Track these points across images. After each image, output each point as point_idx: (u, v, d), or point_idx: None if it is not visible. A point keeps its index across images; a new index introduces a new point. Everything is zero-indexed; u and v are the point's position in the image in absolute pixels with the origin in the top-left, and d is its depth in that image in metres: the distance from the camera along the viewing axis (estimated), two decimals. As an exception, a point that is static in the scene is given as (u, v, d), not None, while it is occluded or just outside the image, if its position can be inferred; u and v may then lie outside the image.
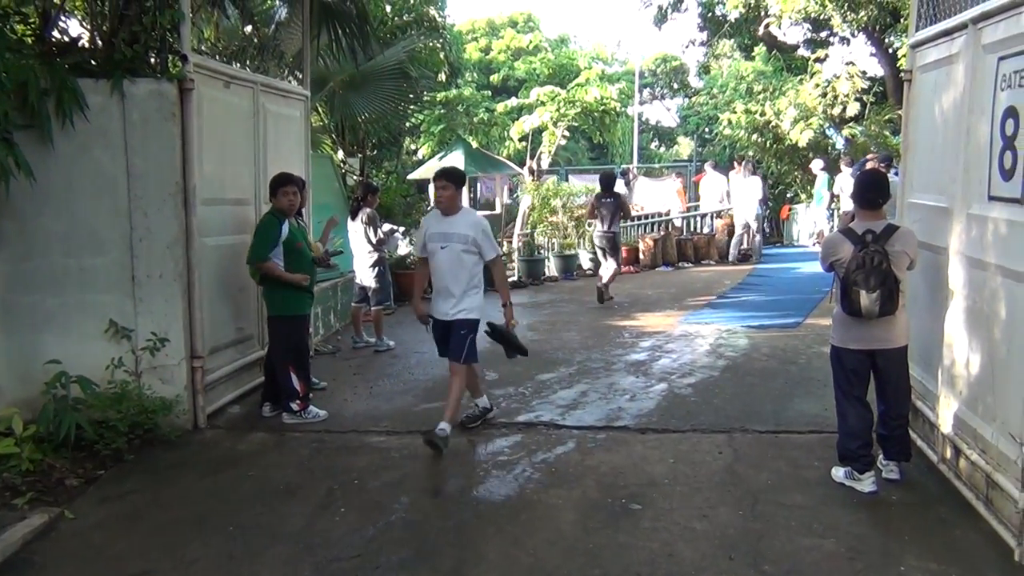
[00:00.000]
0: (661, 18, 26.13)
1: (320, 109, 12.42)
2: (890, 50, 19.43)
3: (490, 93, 26.39)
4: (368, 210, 8.64)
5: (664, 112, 42.14)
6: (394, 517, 4.62)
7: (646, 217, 17.57)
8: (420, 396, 7.02)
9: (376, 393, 7.16)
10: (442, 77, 16.89)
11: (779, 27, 21.44)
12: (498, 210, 22.63)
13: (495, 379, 7.48)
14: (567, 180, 20.92)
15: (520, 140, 19.63)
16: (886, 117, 18.16)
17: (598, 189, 12.18)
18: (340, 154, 13.34)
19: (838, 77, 19.02)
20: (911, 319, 5.02)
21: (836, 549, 4.13)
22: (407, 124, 16.67)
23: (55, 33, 6.43)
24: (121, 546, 4.34)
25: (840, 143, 19.03)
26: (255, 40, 8.55)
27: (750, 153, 19.88)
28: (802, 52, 23.47)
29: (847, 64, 19.62)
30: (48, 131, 5.60)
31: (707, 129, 29.42)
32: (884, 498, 4.69)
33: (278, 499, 4.90)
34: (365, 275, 8.74)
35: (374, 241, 8.61)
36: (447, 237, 5.80)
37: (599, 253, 12.18)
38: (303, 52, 8.49)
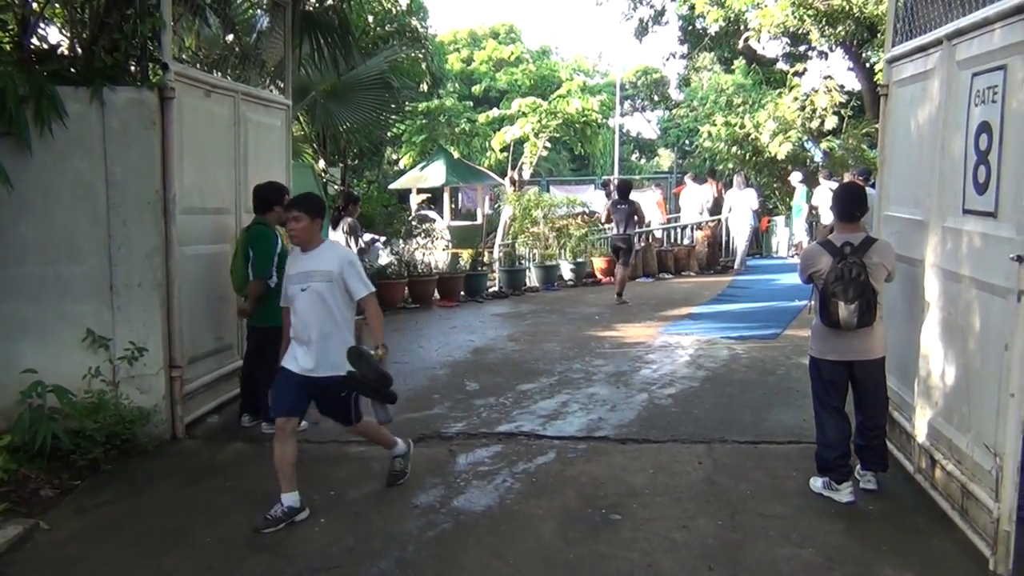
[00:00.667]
0: (642, 31, 26.39)
1: (301, 118, 12.41)
2: (867, 64, 19.70)
3: (472, 104, 26.47)
4: (349, 219, 8.64)
5: (645, 124, 42.41)
6: (374, 528, 4.60)
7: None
8: (400, 406, 6.92)
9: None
10: (424, 87, 16.95)
11: (758, 41, 21.66)
12: (479, 220, 22.67)
13: (475, 389, 7.48)
14: (548, 191, 21.02)
15: (501, 151, 19.73)
16: (863, 131, 18.37)
17: (615, 196, 13.21)
18: (321, 163, 13.34)
19: (816, 91, 19.24)
20: (888, 331, 5.07)
21: (814, 559, 4.16)
22: (389, 134, 16.69)
23: (34, 40, 6.40)
24: (97, 557, 4.30)
25: (818, 156, 19.22)
26: (236, 49, 8.52)
27: (730, 165, 20.05)
28: (781, 66, 23.76)
29: (825, 78, 19.85)
30: (26, 139, 5.56)
31: (687, 141, 29.66)
32: (861, 508, 4.73)
33: (257, 509, 4.85)
34: (346, 285, 8.70)
35: (355, 251, 8.59)
36: (307, 276, 4.82)
37: (615, 256, 13.26)
38: (285, 61, 8.48)
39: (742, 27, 21.25)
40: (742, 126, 19.51)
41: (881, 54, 13.97)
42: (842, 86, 20.29)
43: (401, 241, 12.92)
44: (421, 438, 6.09)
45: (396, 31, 14.43)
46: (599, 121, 19.24)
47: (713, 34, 23.46)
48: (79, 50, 6.37)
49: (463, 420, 6.55)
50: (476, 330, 10.53)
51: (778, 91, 19.98)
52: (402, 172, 23.20)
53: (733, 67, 22.82)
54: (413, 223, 13.88)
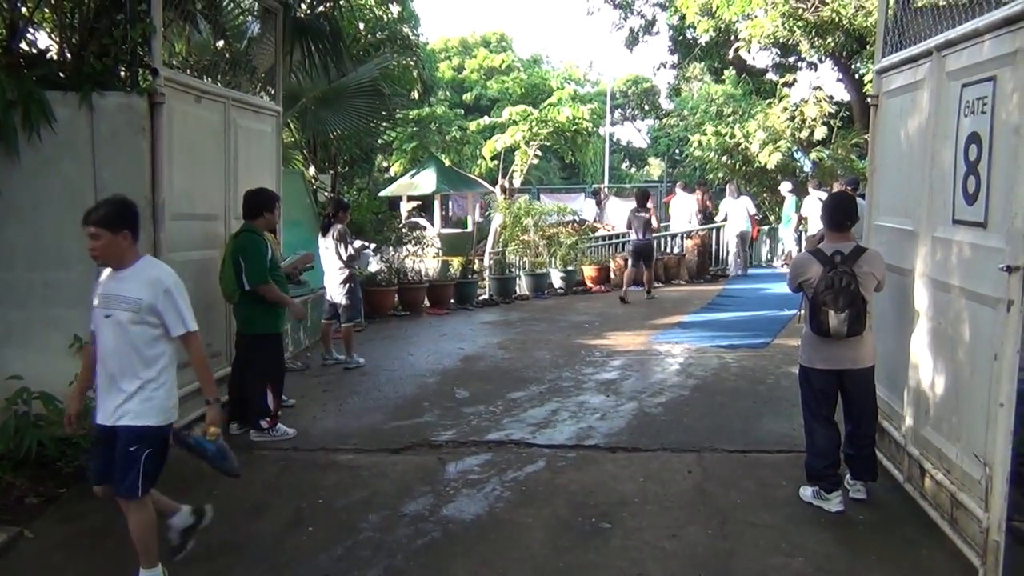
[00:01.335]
0: (633, 40, 26.47)
1: (292, 125, 12.37)
2: (856, 76, 19.79)
3: (463, 112, 26.46)
4: (339, 226, 8.60)
5: (635, 133, 42.58)
6: (362, 536, 4.57)
7: (617, 237, 17.68)
8: (390, 414, 6.97)
9: (345, 411, 7.10)
10: (415, 95, 16.92)
11: (748, 51, 21.76)
12: (470, 228, 22.67)
13: (466, 397, 7.46)
14: (539, 199, 21.03)
15: (492, 159, 19.73)
16: (852, 141, 18.45)
17: (634, 204, 14.02)
18: (312, 170, 13.30)
19: (806, 101, 19.33)
20: (878, 340, 5.08)
21: (804, 568, 4.15)
22: (379, 141, 16.67)
23: (23, 45, 6.37)
24: (82, 566, 4.27)
25: (807, 166, 19.30)
26: (227, 55, 8.51)
27: (720, 175, 20.11)
28: (771, 76, 23.87)
29: (814, 89, 19.94)
30: (14, 144, 5.51)
31: (677, 150, 29.75)
32: (851, 517, 4.74)
33: (245, 517, 4.83)
34: (336, 292, 8.69)
35: (344, 258, 8.56)
36: (112, 301, 3.93)
37: (631, 260, 14.03)
38: (275, 68, 8.47)
39: (732, 37, 21.34)
40: (732, 136, 19.57)
41: (870, 65, 14.01)
42: (831, 97, 20.39)
43: (391, 248, 12.89)
44: (410, 446, 6.08)
45: (387, 38, 14.41)
46: (589, 130, 19.25)
47: (703, 44, 23.55)
48: (68, 55, 6.35)
49: (453, 428, 6.53)
50: (466, 338, 10.51)
51: (768, 101, 20.05)
52: (392, 179, 23.18)
53: (723, 77, 22.88)
54: (403, 230, 13.85)
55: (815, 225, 13.67)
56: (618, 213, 20.84)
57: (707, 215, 19.28)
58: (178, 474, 5.49)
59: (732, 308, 12.85)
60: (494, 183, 19.54)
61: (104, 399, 3.99)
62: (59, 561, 4.32)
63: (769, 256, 19.51)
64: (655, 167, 39.82)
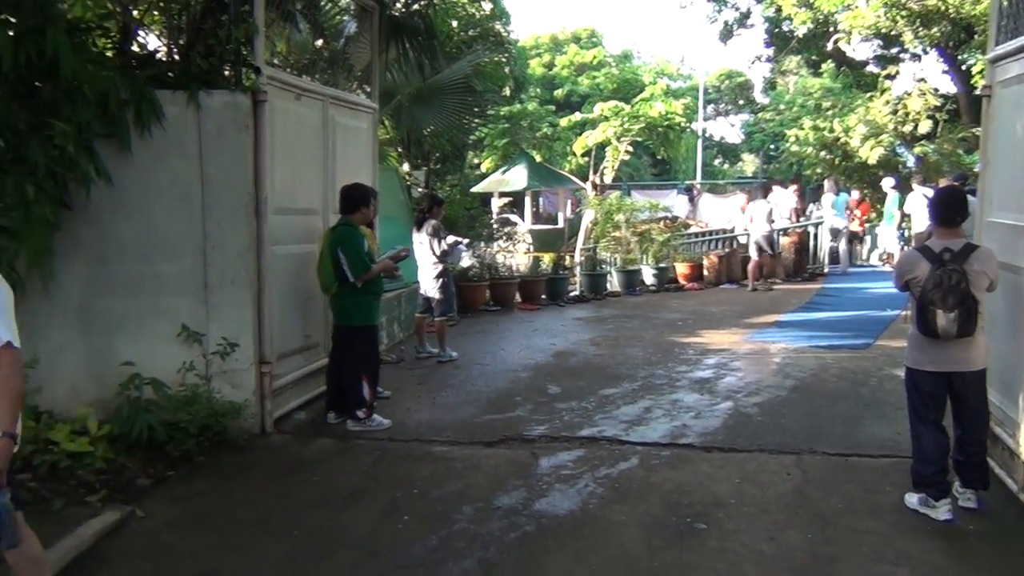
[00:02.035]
0: (727, 34, 25.98)
1: (387, 122, 12.58)
2: (964, 67, 18.96)
3: (553, 108, 26.47)
4: (433, 222, 8.70)
5: (728, 128, 41.78)
6: (456, 527, 4.61)
7: (710, 234, 17.39)
8: (482, 407, 7.02)
9: (439, 403, 7.18)
10: (507, 91, 17.02)
11: (848, 43, 21.06)
12: (561, 224, 22.64)
13: (558, 393, 7.45)
14: (630, 195, 20.84)
15: (583, 155, 19.65)
16: (959, 135, 17.71)
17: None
18: (405, 166, 13.50)
19: (909, 94, 18.65)
20: (991, 342, 4.84)
21: (910, 577, 4.00)
22: (471, 138, 16.78)
23: (134, 47, 6.65)
24: (189, 545, 4.42)
25: (911, 161, 18.62)
26: (325, 54, 8.71)
27: (819, 170, 19.56)
28: (872, 68, 23.05)
29: (918, 81, 19.21)
30: (127, 140, 5.77)
31: (772, 146, 29.08)
32: (960, 527, 4.53)
33: (342, 505, 4.94)
34: (429, 286, 8.80)
35: (438, 253, 8.66)
36: None
37: (756, 251, 14.33)
38: (372, 66, 8.62)
39: (831, 29, 20.72)
40: (831, 130, 19.01)
41: (979, 55, 13.40)
42: (936, 89, 19.59)
43: (483, 244, 12.99)
44: (503, 440, 6.10)
45: (480, 35, 14.52)
46: (682, 125, 18.97)
47: (801, 36, 22.92)
48: (176, 55, 6.59)
49: (545, 423, 6.52)
50: (558, 333, 10.50)
51: (869, 94, 19.42)
52: (484, 176, 23.34)
53: (821, 70, 22.27)
54: (495, 226, 13.93)
55: (919, 223, 13.17)
56: (711, 210, 20.51)
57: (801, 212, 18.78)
58: (283, 462, 5.69)
59: (831, 308, 12.47)
60: (585, 179, 19.46)
61: None
62: (168, 540, 4.50)
63: (867, 255, 18.88)
64: (749, 163, 39.05)
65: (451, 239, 9.01)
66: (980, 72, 5.57)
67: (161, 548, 4.40)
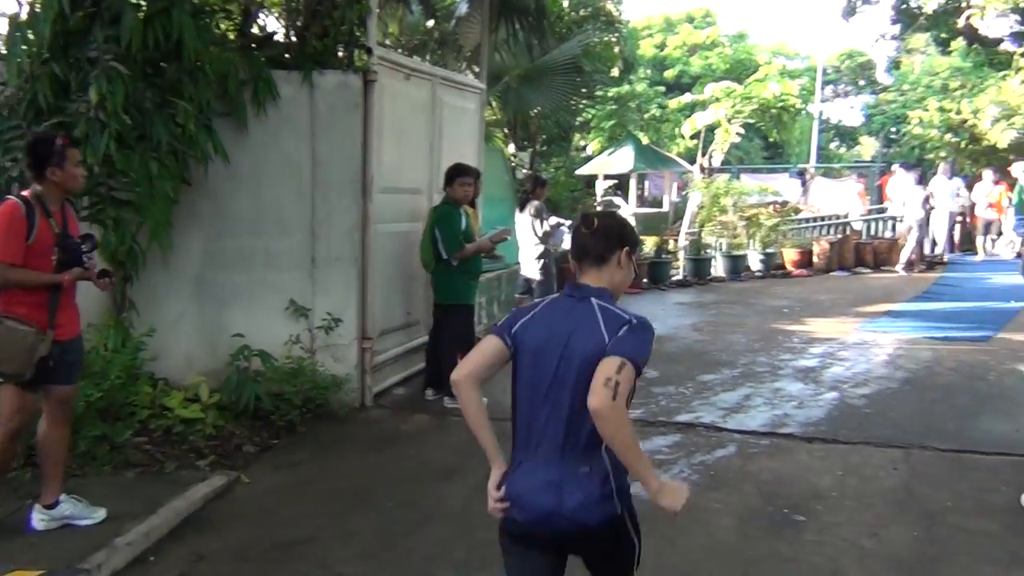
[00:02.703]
0: (850, 11, 24.96)
1: (494, 103, 12.65)
2: (1111, 44, 17.66)
3: (663, 89, 26.04)
4: (536, 202, 8.72)
5: (847, 110, 40.15)
6: (547, 506, 4.63)
7: (822, 219, 16.81)
8: (579, 390, 7.00)
9: (535, 384, 7.20)
10: (615, 72, 16.84)
11: (982, 19, 19.86)
12: (665, 208, 22.29)
13: (655, 377, 7.37)
14: (739, 179, 20.34)
15: (691, 137, 19.24)
16: (1100, 117, 16.51)
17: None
18: (511, 147, 13.55)
19: (1048, 73, 17.48)
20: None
21: (1023, 584, 3.81)
22: (578, 119, 16.69)
23: (254, 29, 6.88)
24: (289, 512, 4.60)
25: (1047, 145, 17.48)
26: (436, 34, 8.82)
27: (943, 154, 18.60)
28: (1007, 46, 21.68)
29: (1059, 59, 17.98)
30: (244, 119, 5.98)
31: (894, 128, 27.81)
32: (1081, 533, 4.28)
33: (436, 480, 5.04)
34: (530, 267, 8.83)
35: (540, 234, 8.67)
36: None
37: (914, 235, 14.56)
38: (481, 46, 8.67)
39: (964, 4, 19.59)
40: (958, 111, 18.03)
41: None
42: (1080, 68, 18.30)
43: (586, 226, 12.92)
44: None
45: (590, 15, 14.39)
46: (797, 107, 18.33)
47: (930, 13, 21.77)
48: (293, 37, 6.79)
49: (641, 407, 6.47)
50: (657, 317, 10.36)
51: (1003, 74, 18.30)
52: (589, 158, 23.17)
53: (951, 48, 21.10)
54: (598, 208, 13.85)
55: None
56: (824, 194, 19.80)
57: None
58: (380, 436, 5.83)
59: (949, 298, 11.88)
60: (692, 162, 19.07)
61: None
62: (271, 505, 4.69)
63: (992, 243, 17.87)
64: (867, 146, 37.48)
65: (553, 220, 9.01)
66: None
67: (264, 513, 4.60)
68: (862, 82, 36.00)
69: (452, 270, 6.42)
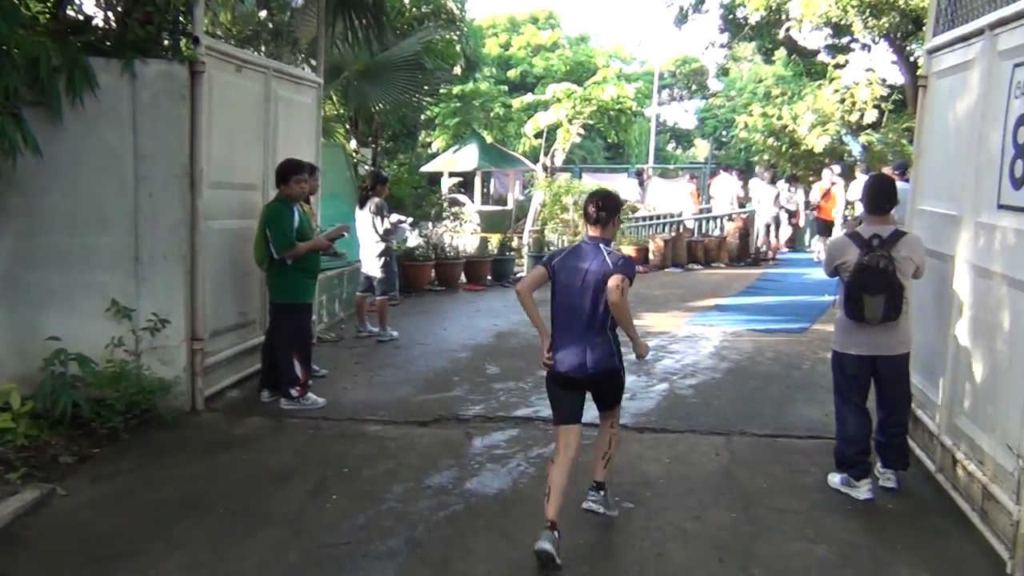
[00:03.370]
0: (682, 18, 26.08)
1: (335, 98, 12.41)
2: (911, 58, 19.30)
3: (507, 89, 26.33)
4: (376, 200, 8.62)
5: (682, 114, 42.03)
6: (385, 506, 4.60)
7: (657, 218, 17.52)
8: (420, 387, 7.00)
9: (376, 383, 7.14)
10: (458, 70, 16.87)
11: (800, 31, 21.26)
12: (510, 205, 22.58)
13: (496, 373, 7.46)
14: (581, 178, 20.87)
15: (535, 136, 19.59)
16: (904, 125, 18.01)
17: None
18: (353, 143, 13.34)
19: (857, 84, 18.91)
20: (916, 327, 4.96)
21: (827, 555, 4.09)
22: (422, 116, 16.62)
23: (70, 12, 6.44)
24: (111, 524, 4.34)
25: (857, 150, 18.91)
26: (270, 26, 8.55)
27: (766, 157, 19.79)
28: (822, 57, 23.31)
29: (867, 71, 19.51)
30: (57, 109, 5.59)
31: (724, 132, 29.34)
32: (879, 506, 4.65)
33: (271, 484, 4.89)
34: (371, 265, 8.73)
35: (381, 231, 8.58)
36: None
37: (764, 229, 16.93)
38: (318, 39, 8.48)
39: (784, 17, 20.91)
40: (779, 117, 19.24)
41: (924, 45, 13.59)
42: (884, 80, 19.92)
43: (430, 223, 12.92)
44: (438, 419, 6.10)
45: (431, 12, 14.35)
46: (634, 109, 19.01)
47: (754, 24, 23.07)
48: (113, 22, 6.41)
49: (481, 403, 6.54)
50: (500, 314, 10.51)
51: (818, 83, 19.67)
52: (435, 155, 23.18)
53: (774, 57, 22.48)
54: (443, 205, 13.87)
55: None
56: (661, 194, 20.63)
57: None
58: (213, 440, 5.61)
59: (771, 292, 12.68)
60: (536, 161, 19.43)
61: None
62: (90, 518, 4.41)
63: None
64: (701, 148, 39.35)
65: (394, 218, 8.93)
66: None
67: (81, 526, 4.32)
68: (695, 87, 37.74)
69: (287, 268, 6.25)
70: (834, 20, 18.88)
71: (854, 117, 18.51)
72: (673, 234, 16.42)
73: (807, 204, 17.68)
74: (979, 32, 4.70)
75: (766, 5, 20.31)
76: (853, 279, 4.60)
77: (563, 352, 4.27)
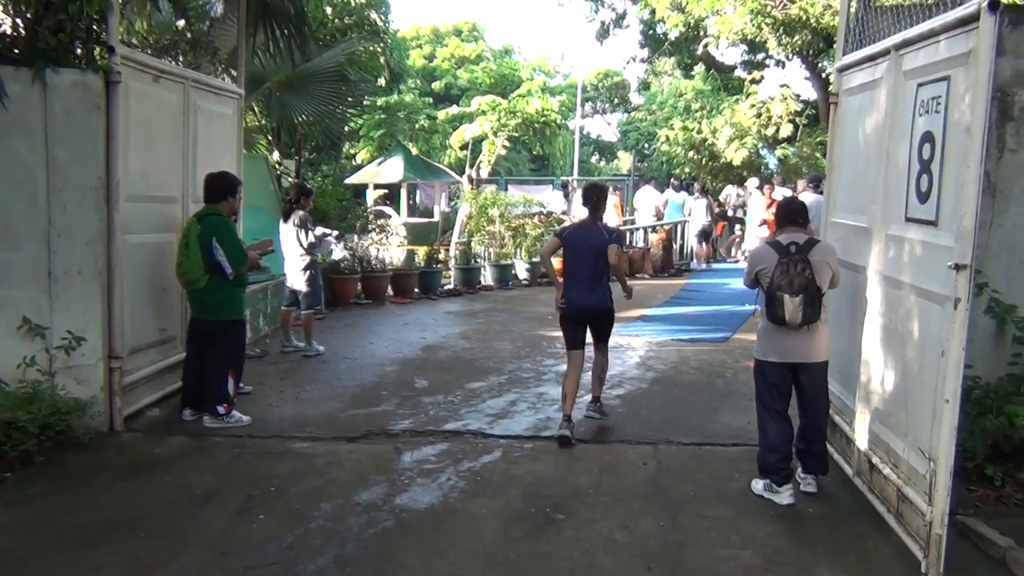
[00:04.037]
0: (604, 33, 26.51)
1: (257, 109, 12.22)
2: (823, 74, 19.98)
3: (432, 100, 26.33)
4: (301, 212, 8.50)
5: (605, 126, 42.62)
6: (314, 525, 4.53)
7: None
8: (347, 402, 6.92)
9: (302, 398, 7.03)
10: (382, 82, 16.80)
11: (717, 47, 21.86)
12: (436, 218, 22.57)
13: (425, 387, 7.43)
14: (506, 190, 20.98)
15: (461, 148, 19.65)
16: (817, 139, 18.66)
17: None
18: (276, 155, 13.14)
19: (772, 99, 19.51)
20: (832, 336, 5.13)
21: (753, 560, 4.19)
22: (346, 128, 16.46)
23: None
24: (24, 552, 4.17)
25: (773, 163, 19.49)
26: (188, 35, 8.37)
27: (687, 170, 20.23)
28: (739, 73, 24.01)
29: (781, 86, 20.14)
30: (-38, 119, 5.38)
31: (646, 144, 29.86)
32: (801, 511, 4.78)
33: (195, 505, 4.77)
34: (296, 279, 8.60)
35: (305, 244, 8.47)
36: None
37: (700, 239, 17.47)
38: (238, 50, 8.34)
39: (702, 33, 21.44)
40: (699, 131, 19.71)
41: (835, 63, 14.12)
42: (798, 95, 20.61)
43: (355, 236, 12.81)
44: (367, 435, 6.04)
45: (355, 24, 14.26)
46: (558, 122, 19.23)
47: (673, 39, 23.61)
48: (22, 30, 6.19)
49: (410, 417, 6.50)
50: (428, 327, 10.47)
51: (735, 98, 20.22)
52: (360, 167, 23.01)
53: (693, 73, 23.01)
54: (368, 218, 13.76)
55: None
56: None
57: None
58: (132, 462, 5.44)
59: (695, 302, 12.94)
60: (462, 173, 19.46)
61: None
62: (2, 546, 4.23)
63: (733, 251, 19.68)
64: (624, 160, 39.93)
65: (319, 231, 8.83)
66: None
67: (-8, 554, 4.14)
68: (617, 100, 38.31)
69: (225, 284, 6.13)
70: (749, 37, 19.44)
71: (770, 131, 19.11)
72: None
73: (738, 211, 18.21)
74: (885, 52, 4.91)
75: (684, 21, 20.76)
76: (772, 281, 4.76)
77: (574, 295, 6.09)
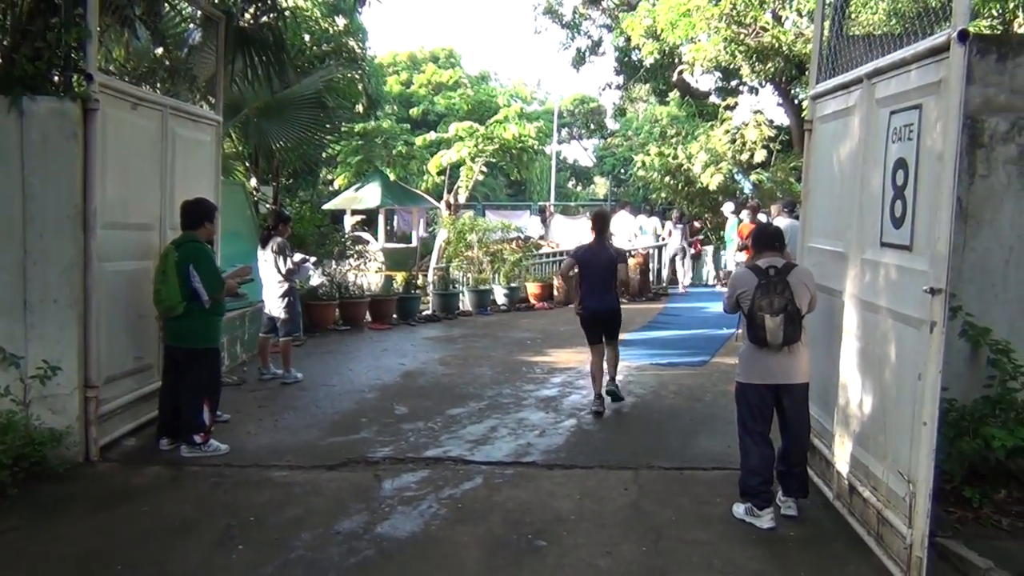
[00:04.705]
0: (579, 60, 26.79)
1: (234, 135, 12.20)
2: (796, 101, 20.27)
3: (410, 126, 26.43)
4: (279, 239, 8.48)
5: (581, 152, 42.98)
6: (294, 555, 4.48)
7: (561, 254, 17.78)
8: (327, 430, 6.88)
9: (281, 426, 6.98)
10: (360, 108, 16.83)
11: (692, 74, 22.11)
12: (414, 243, 22.57)
13: (404, 413, 7.40)
14: (484, 215, 21.05)
15: (438, 174, 19.72)
16: (791, 164, 18.87)
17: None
18: (253, 182, 13.11)
19: (746, 125, 19.73)
20: (810, 359, 5.17)
21: (735, 585, 4.19)
22: (324, 154, 16.46)
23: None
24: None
25: (748, 188, 19.68)
26: (167, 63, 8.36)
27: (663, 195, 20.38)
28: (714, 99, 24.29)
29: (755, 112, 20.38)
30: (-63, 147, 5.34)
31: (622, 170, 30.08)
32: (782, 534, 4.79)
33: (172, 536, 4.70)
34: (274, 305, 8.56)
35: (283, 271, 8.45)
36: None
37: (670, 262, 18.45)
38: (216, 77, 8.35)
39: (676, 60, 21.70)
40: (675, 157, 19.88)
41: (808, 91, 14.41)
42: (771, 121, 20.86)
43: (333, 262, 12.78)
44: (346, 463, 6.00)
45: (333, 51, 14.31)
46: (535, 147, 19.38)
47: (648, 66, 23.86)
48: (-1, 58, 6.17)
49: (390, 444, 6.46)
50: (407, 353, 10.44)
51: (710, 124, 20.43)
52: (337, 193, 23.01)
53: (668, 99, 23.24)
54: (346, 244, 13.74)
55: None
56: (563, 231, 20.96)
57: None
58: (108, 493, 5.36)
59: (672, 327, 13.00)
60: (440, 198, 19.52)
61: None
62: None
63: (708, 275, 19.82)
64: (601, 186, 40.22)
65: (298, 257, 8.81)
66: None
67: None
68: (593, 126, 38.66)
69: (202, 312, 6.10)
70: (723, 64, 19.69)
71: (745, 156, 19.30)
72: (577, 271, 16.65)
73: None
74: (858, 80, 5.00)
75: (659, 49, 21.00)
76: (753, 303, 4.81)
77: (590, 302, 7.52)
